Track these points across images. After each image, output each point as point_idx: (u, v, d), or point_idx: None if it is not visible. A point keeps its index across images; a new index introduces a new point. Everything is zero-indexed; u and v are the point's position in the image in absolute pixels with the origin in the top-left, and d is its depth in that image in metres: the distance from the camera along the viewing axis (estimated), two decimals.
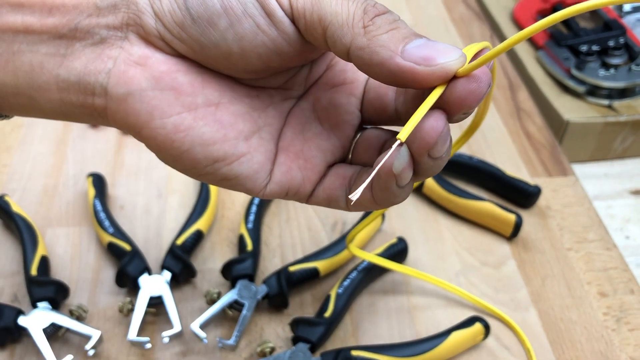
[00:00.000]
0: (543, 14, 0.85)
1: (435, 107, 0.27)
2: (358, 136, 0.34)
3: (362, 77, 0.34)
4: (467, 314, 0.50)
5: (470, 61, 0.27)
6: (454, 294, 0.53)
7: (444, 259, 0.55)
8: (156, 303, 0.49)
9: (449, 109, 0.27)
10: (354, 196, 0.26)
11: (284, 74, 0.32)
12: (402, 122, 0.33)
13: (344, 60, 0.29)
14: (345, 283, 0.50)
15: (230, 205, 0.59)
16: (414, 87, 0.27)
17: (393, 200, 0.30)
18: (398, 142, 0.26)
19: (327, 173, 0.33)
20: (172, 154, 0.30)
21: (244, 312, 0.48)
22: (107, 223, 0.54)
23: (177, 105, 0.29)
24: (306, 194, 0.33)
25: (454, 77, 0.26)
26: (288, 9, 0.28)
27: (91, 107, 0.30)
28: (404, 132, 0.26)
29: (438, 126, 0.27)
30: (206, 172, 0.31)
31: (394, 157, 0.27)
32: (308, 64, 0.33)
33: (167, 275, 0.51)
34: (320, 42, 0.28)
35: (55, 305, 0.49)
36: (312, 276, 0.51)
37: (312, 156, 0.33)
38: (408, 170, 0.28)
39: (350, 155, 0.34)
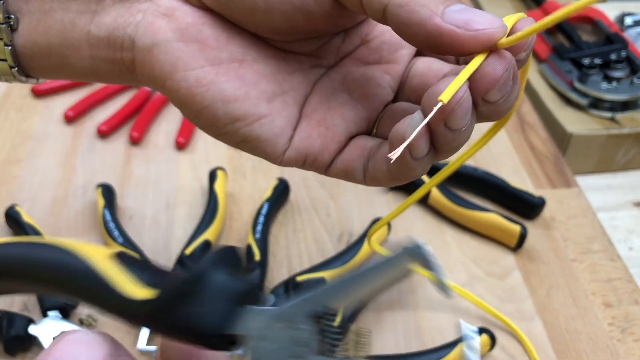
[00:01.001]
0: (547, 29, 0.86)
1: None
2: (385, 108, 0.32)
3: (401, 59, 0.32)
4: (474, 325, 0.51)
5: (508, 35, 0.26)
6: (460, 305, 0.53)
7: (449, 270, 0.56)
8: None
9: (480, 84, 0.26)
10: (394, 155, 0.25)
11: (315, 41, 0.31)
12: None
13: (379, 23, 0.27)
14: None
15: (237, 216, 0.60)
16: (451, 53, 0.26)
17: (409, 173, 0.28)
18: (440, 103, 0.25)
19: (347, 144, 0.32)
20: (193, 109, 0.30)
21: None
22: (116, 233, 0.55)
23: (200, 59, 0.29)
24: (324, 163, 0.32)
25: (493, 49, 0.25)
26: None
27: (120, 62, 0.30)
28: (446, 93, 0.25)
29: (456, 94, 0.25)
30: (226, 131, 0.30)
31: (406, 121, 0.26)
32: (341, 34, 0.32)
33: None
34: (354, 4, 0.27)
35: (66, 314, 0.49)
36: (319, 286, 0.52)
37: (334, 124, 0.31)
38: (422, 140, 0.27)
39: (375, 128, 0.33)
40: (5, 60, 0.31)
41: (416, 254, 0.22)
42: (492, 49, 0.25)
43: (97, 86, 0.73)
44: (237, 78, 0.30)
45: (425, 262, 0.22)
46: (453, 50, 0.25)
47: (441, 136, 0.27)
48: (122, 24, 0.29)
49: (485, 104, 0.26)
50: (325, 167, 0.32)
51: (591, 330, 0.52)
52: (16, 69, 0.31)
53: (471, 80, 0.25)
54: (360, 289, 0.23)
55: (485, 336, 0.49)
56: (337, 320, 0.23)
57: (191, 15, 0.29)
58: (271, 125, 0.30)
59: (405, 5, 0.25)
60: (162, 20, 0.29)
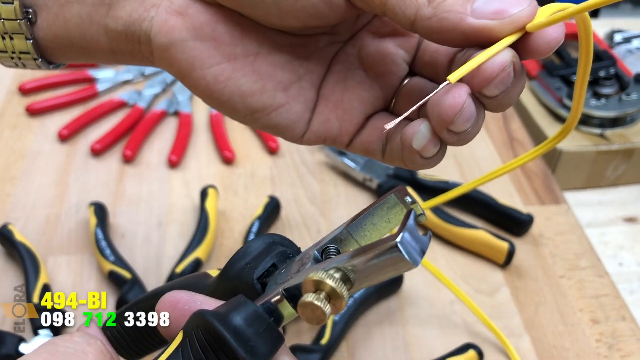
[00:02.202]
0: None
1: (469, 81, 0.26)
2: (402, 85, 0.33)
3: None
4: (461, 340, 0.51)
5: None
6: (448, 321, 0.53)
7: (438, 287, 0.56)
8: None
9: (476, 78, 0.26)
10: (389, 125, 0.26)
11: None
12: None
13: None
14: (342, 310, 0.51)
15: (229, 233, 0.60)
16: (488, 44, 0.26)
17: (424, 166, 0.30)
18: (447, 82, 0.25)
19: (365, 124, 0.33)
20: (213, 103, 0.31)
21: None
22: (108, 251, 0.55)
23: (217, 56, 0.30)
24: (344, 143, 0.33)
25: (524, 32, 0.25)
26: None
27: (140, 54, 0.31)
28: (455, 75, 0.25)
29: (457, 102, 0.26)
30: (246, 120, 0.32)
31: (415, 130, 0.27)
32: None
33: None
34: (377, 11, 0.27)
35: (57, 333, 0.49)
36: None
37: (352, 107, 0.32)
38: (431, 145, 0.28)
39: (392, 105, 0.33)
40: (28, 52, 0.32)
41: (402, 195, 0.26)
42: (521, 32, 0.26)
43: (91, 105, 0.74)
44: (253, 72, 0.30)
45: (408, 200, 0.26)
46: (490, 41, 0.26)
47: (447, 139, 0.28)
48: (138, 19, 0.30)
49: (485, 97, 0.27)
50: (345, 145, 0.33)
51: (579, 347, 0.52)
52: (39, 59, 0.32)
53: (468, 74, 0.26)
54: (361, 228, 0.27)
55: (472, 352, 0.49)
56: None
57: (204, 12, 0.29)
58: (289, 113, 0.31)
59: (434, 17, 0.25)
60: (177, 18, 0.29)
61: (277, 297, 0.26)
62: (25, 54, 0.32)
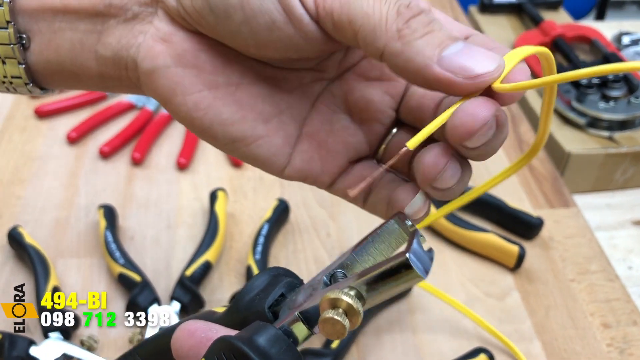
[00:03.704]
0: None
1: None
2: (390, 137, 0.33)
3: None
4: (472, 345, 0.51)
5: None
6: (458, 325, 0.53)
7: (449, 291, 0.56)
8: None
9: (458, 131, 0.25)
10: (352, 192, 0.27)
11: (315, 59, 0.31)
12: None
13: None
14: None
15: (238, 236, 0.60)
16: (449, 94, 0.26)
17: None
18: (405, 148, 0.26)
19: (349, 169, 0.33)
20: (195, 130, 0.31)
21: None
22: (117, 254, 0.55)
23: (198, 83, 0.30)
24: (325, 184, 0.33)
25: (490, 89, 0.25)
26: (312, 8, 0.27)
27: (127, 80, 0.31)
28: (413, 140, 0.25)
29: (439, 162, 0.26)
30: (227, 149, 0.32)
31: (407, 196, 0.29)
32: (343, 48, 0.32)
33: (176, 305, 0.52)
34: (350, 42, 0.27)
35: (67, 336, 0.50)
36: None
37: (336, 151, 0.32)
38: (423, 210, 0.29)
39: (381, 153, 0.33)
40: (20, 77, 0.32)
41: (401, 219, 0.28)
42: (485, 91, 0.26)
43: (100, 107, 0.74)
44: (234, 102, 0.30)
45: (408, 224, 0.28)
46: (450, 93, 0.26)
47: (435, 194, 0.28)
48: (126, 45, 0.30)
49: (465, 149, 0.27)
50: (326, 187, 0.33)
51: (590, 352, 0.52)
52: (30, 84, 0.33)
53: (449, 126, 0.25)
54: (365, 253, 0.29)
55: (483, 356, 0.49)
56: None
57: (188, 40, 0.30)
58: (269, 145, 0.31)
59: (401, 54, 0.25)
60: (162, 45, 0.29)
61: (294, 320, 0.27)
62: (16, 79, 0.32)
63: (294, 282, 0.30)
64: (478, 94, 0.25)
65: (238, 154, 0.32)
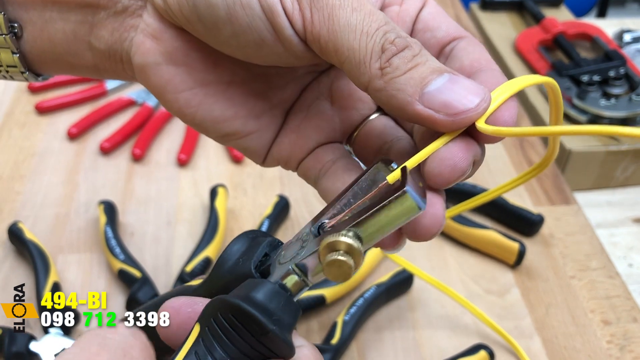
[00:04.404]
0: (544, 44, 0.87)
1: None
2: (363, 124, 0.32)
3: None
4: (472, 341, 0.51)
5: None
6: (458, 322, 0.53)
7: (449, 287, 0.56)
8: None
9: (438, 168, 0.25)
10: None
11: None
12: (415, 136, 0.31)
13: None
14: (352, 310, 0.51)
15: (238, 233, 0.60)
16: (434, 130, 0.26)
17: None
18: (385, 182, 0.26)
19: (315, 150, 0.33)
20: (188, 123, 0.31)
21: None
22: (118, 250, 0.55)
23: (189, 81, 0.30)
24: (293, 167, 0.33)
25: (475, 127, 0.25)
26: (301, 30, 0.27)
27: (123, 72, 0.31)
28: (392, 175, 0.26)
29: (437, 223, 0.26)
30: (218, 141, 0.32)
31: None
32: None
33: None
34: (337, 66, 0.27)
35: (67, 331, 0.49)
36: (319, 303, 0.52)
37: (306, 135, 0.32)
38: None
39: (353, 139, 0.33)
40: (15, 66, 0.32)
41: (386, 164, 0.27)
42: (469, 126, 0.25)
43: (101, 103, 0.74)
44: (226, 99, 0.31)
45: (394, 167, 0.27)
46: (435, 129, 0.26)
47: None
48: (119, 39, 0.30)
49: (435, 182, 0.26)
50: (295, 169, 0.33)
51: (590, 348, 0.52)
52: (27, 72, 0.33)
53: (427, 170, 0.25)
54: (352, 202, 0.28)
55: (484, 352, 0.49)
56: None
57: (178, 39, 0.29)
58: (259, 140, 0.32)
59: (383, 90, 0.25)
60: (152, 42, 0.29)
61: (287, 274, 0.27)
62: (12, 67, 0.32)
63: (275, 240, 0.30)
64: (459, 131, 0.25)
65: (230, 144, 0.32)
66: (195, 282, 0.31)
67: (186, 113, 0.30)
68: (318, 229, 0.28)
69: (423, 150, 0.26)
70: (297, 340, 0.26)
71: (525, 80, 0.26)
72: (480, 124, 0.25)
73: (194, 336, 0.26)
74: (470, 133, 0.26)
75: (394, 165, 0.27)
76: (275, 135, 0.32)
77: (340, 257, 0.25)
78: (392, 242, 0.27)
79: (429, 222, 0.26)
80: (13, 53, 0.31)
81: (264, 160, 0.33)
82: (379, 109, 0.33)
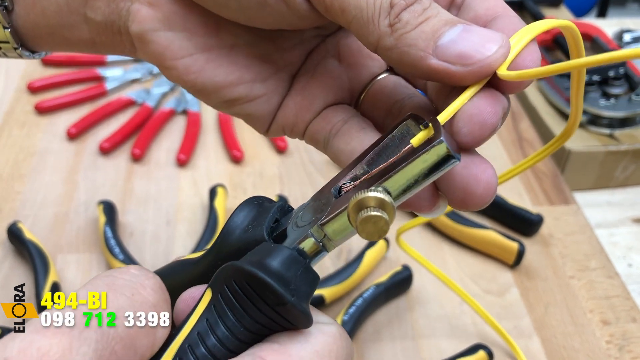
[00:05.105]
0: (544, 44, 0.87)
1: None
2: (371, 83, 0.31)
3: None
4: (471, 341, 0.51)
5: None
6: (457, 322, 0.53)
7: (447, 287, 0.56)
8: None
9: (466, 125, 0.23)
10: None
11: None
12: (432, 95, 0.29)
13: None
14: (351, 310, 0.51)
15: None
16: (453, 85, 0.24)
17: None
18: (410, 145, 0.23)
19: (322, 112, 0.31)
20: (189, 90, 0.30)
21: None
22: (117, 250, 0.55)
23: (189, 47, 0.29)
24: (300, 132, 0.31)
25: (496, 76, 0.23)
26: None
27: (121, 45, 0.30)
28: (416, 138, 0.23)
29: (490, 190, 0.25)
30: (219, 108, 0.31)
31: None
32: None
33: None
34: (344, 26, 0.26)
35: None
36: (318, 303, 0.52)
37: (313, 95, 0.31)
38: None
39: (360, 100, 0.31)
40: (7, 42, 0.31)
41: (417, 121, 0.25)
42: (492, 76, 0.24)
43: (100, 103, 0.74)
44: (230, 63, 0.29)
45: (425, 125, 0.24)
46: (453, 84, 0.24)
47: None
48: (116, 9, 0.29)
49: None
50: (302, 135, 0.32)
51: (589, 348, 0.52)
52: (19, 48, 0.32)
53: (455, 130, 0.24)
54: (380, 161, 0.25)
55: (482, 352, 0.49)
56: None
57: (176, 3, 0.29)
58: (266, 104, 0.31)
59: (395, 48, 0.24)
60: (149, 8, 0.29)
61: (306, 238, 0.25)
62: (4, 43, 0.31)
63: (286, 205, 0.28)
64: (484, 82, 0.24)
65: (231, 111, 0.31)
66: (192, 255, 0.29)
67: (186, 80, 0.29)
68: (339, 190, 0.26)
69: (453, 103, 0.24)
70: (322, 317, 0.24)
71: (544, 24, 0.24)
72: (502, 72, 0.23)
73: (205, 302, 0.24)
74: (492, 84, 0.24)
75: (424, 121, 0.24)
76: (281, 100, 0.31)
77: (375, 213, 0.23)
78: (430, 203, 0.26)
79: (483, 190, 0.24)
80: (4, 28, 0.30)
81: (269, 128, 0.31)
82: (389, 69, 0.31)
